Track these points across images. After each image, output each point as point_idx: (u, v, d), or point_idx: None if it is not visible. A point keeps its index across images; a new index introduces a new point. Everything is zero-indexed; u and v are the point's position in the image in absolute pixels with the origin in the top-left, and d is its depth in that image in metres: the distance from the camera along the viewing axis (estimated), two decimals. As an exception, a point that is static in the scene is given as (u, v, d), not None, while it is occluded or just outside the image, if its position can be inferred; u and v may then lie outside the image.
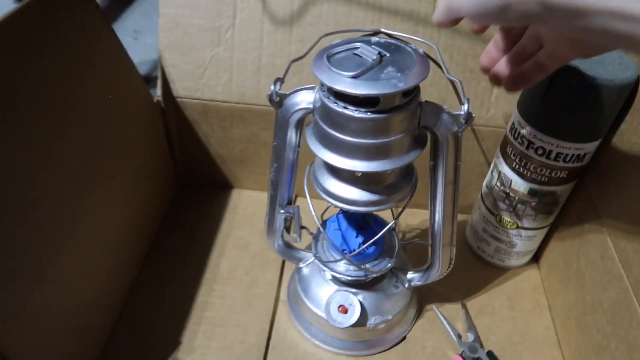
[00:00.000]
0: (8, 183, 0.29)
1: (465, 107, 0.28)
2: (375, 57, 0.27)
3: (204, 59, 0.47)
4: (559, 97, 0.36)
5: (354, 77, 0.26)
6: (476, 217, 0.48)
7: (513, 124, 0.41)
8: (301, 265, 0.43)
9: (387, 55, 0.28)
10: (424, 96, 0.30)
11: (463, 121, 0.29)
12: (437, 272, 0.39)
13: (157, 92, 0.49)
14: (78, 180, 0.36)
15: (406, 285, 0.41)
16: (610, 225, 0.38)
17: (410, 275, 0.41)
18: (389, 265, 0.39)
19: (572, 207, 0.43)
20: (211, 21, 0.45)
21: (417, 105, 0.29)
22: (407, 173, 0.34)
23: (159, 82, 0.49)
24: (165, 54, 0.47)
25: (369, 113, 0.27)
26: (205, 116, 0.50)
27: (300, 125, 0.33)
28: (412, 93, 0.29)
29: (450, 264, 0.39)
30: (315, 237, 0.42)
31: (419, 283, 0.41)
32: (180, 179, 0.56)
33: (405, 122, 0.29)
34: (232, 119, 0.50)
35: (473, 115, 0.29)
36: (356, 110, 0.28)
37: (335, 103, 0.28)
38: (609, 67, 0.35)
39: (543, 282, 0.48)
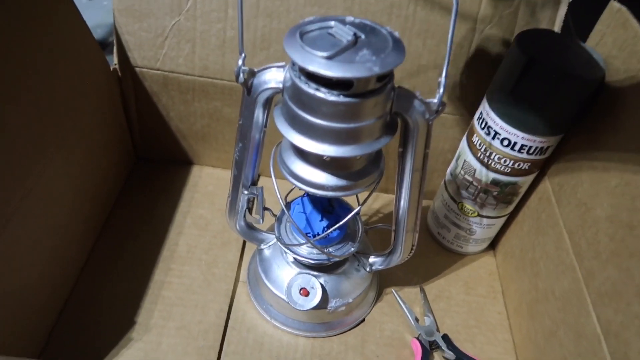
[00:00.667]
0: None
1: (440, 93, 0.28)
2: (350, 38, 0.26)
3: (163, 28, 0.44)
4: (527, 91, 0.36)
5: (327, 58, 0.25)
6: (438, 203, 0.49)
7: (480, 113, 0.41)
8: (263, 246, 0.43)
9: (362, 37, 0.27)
10: (396, 81, 0.29)
11: (435, 109, 0.29)
12: (399, 257, 0.40)
13: (114, 60, 0.46)
14: (26, 148, 0.33)
15: (367, 269, 0.42)
16: (566, 217, 0.39)
17: (372, 259, 0.42)
18: (352, 249, 0.39)
19: (531, 198, 0.44)
20: (172, -14, 0.42)
21: (390, 91, 0.28)
22: (376, 159, 0.34)
23: (115, 49, 0.45)
24: (121, 19, 0.44)
25: (341, 96, 0.26)
26: (166, 88, 0.48)
27: (268, 104, 0.32)
28: (386, 78, 0.28)
29: (412, 249, 0.39)
30: (278, 219, 0.41)
31: (380, 267, 0.41)
32: (137, 153, 0.54)
33: (378, 108, 0.28)
34: (194, 93, 0.48)
35: (445, 103, 0.29)
36: (328, 93, 0.26)
37: (307, 84, 0.27)
38: (578, 64, 0.35)
39: (498, 269, 0.49)
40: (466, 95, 0.46)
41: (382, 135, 0.30)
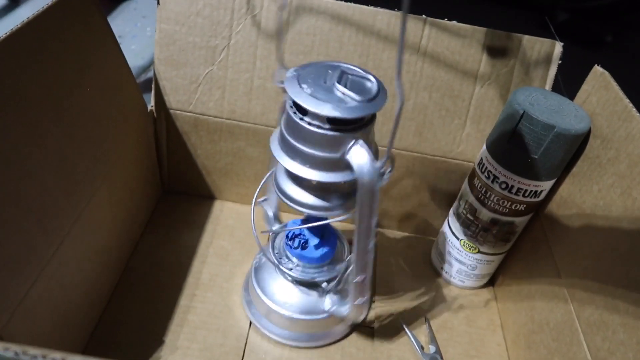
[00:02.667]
0: (12, 182, 0.30)
1: (384, 159, 0.32)
2: (334, 83, 0.31)
3: (198, 76, 0.49)
4: (522, 140, 0.41)
5: (304, 90, 0.30)
6: (441, 240, 0.53)
7: (481, 159, 0.46)
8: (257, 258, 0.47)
9: (345, 86, 0.31)
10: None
11: (380, 172, 0.32)
12: (346, 312, 0.42)
13: (151, 102, 0.51)
14: (80, 178, 0.38)
15: (322, 297, 0.44)
16: (558, 254, 0.42)
17: (329, 296, 0.44)
18: (323, 277, 0.43)
19: (527, 237, 0.48)
20: (207, 40, 0.48)
21: (351, 137, 0.31)
22: (351, 191, 0.35)
23: (152, 93, 0.51)
24: (160, 67, 0.49)
25: (320, 129, 0.31)
26: (196, 129, 0.52)
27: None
28: (343, 124, 0.31)
29: (360, 312, 0.43)
30: (273, 238, 0.46)
31: (328, 308, 0.43)
32: (164, 186, 0.58)
33: (335, 145, 0.32)
34: (221, 133, 0.52)
35: (389, 172, 0.32)
36: (309, 124, 0.31)
37: (291, 106, 0.32)
38: (566, 118, 0.40)
39: (497, 303, 0.53)
40: (468, 142, 0.51)
41: (337, 170, 0.33)
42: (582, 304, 0.37)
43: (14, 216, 0.30)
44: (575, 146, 0.41)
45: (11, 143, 0.30)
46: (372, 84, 0.32)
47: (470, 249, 0.49)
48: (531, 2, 1.20)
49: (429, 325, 0.48)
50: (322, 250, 0.42)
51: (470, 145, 0.51)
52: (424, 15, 0.47)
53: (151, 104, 0.51)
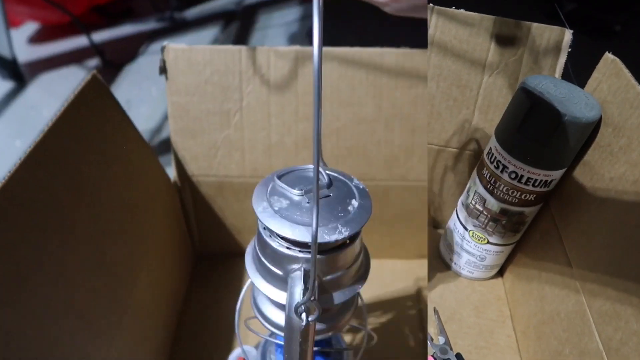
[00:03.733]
0: (62, 291, 0.31)
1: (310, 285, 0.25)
2: (306, 204, 0.27)
3: (215, 141, 0.51)
4: (532, 129, 0.41)
5: (269, 206, 0.27)
6: (450, 231, 0.54)
7: (490, 149, 0.47)
8: None
9: (329, 196, 0.27)
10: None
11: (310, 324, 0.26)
12: None
13: (173, 173, 0.53)
14: (116, 275, 0.38)
15: None
16: (569, 244, 0.43)
17: None
18: None
19: (537, 227, 0.49)
20: (219, 105, 0.50)
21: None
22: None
23: (173, 164, 0.53)
24: (177, 138, 0.51)
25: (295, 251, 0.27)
26: (221, 191, 0.54)
27: None
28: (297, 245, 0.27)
29: None
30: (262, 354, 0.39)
31: None
32: (197, 251, 0.60)
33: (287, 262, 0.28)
34: (246, 192, 0.54)
35: (311, 319, 0.26)
36: (280, 245, 0.27)
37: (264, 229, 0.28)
38: (577, 106, 0.40)
39: (507, 294, 0.54)
40: (475, 132, 0.52)
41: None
42: (594, 294, 0.38)
43: (67, 327, 0.31)
44: (586, 134, 0.41)
45: (55, 254, 0.30)
46: (347, 187, 0.28)
47: (479, 240, 0.51)
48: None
49: (438, 317, 0.50)
50: None
51: (478, 135, 0.51)
52: (431, 4, 0.47)
53: (174, 175, 0.53)
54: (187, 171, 0.53)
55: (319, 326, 0.31)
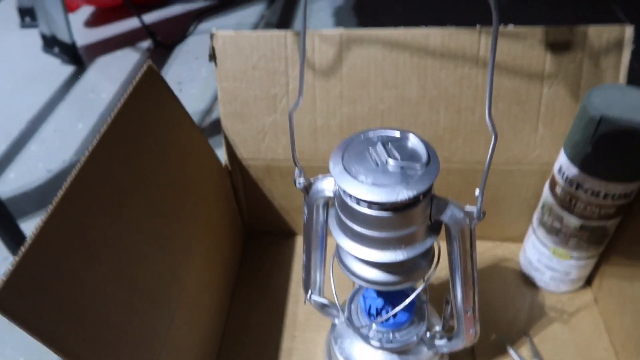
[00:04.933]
0: (126, 269, 0.34)
1: (478, 205, 0.30)
2: (385, 160, 0.30)
3: (263, 125, 0.51)
4: (604, 144, 0.40)
5: (364, 182, 0.28)
6: (529, 248, 0.52)
7: (560, 166, 0.44)
8: (336, 321, 0.44)
9: (398, 158, 0.30)
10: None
11: (475, 217, 0.31)
12: (462, 342, 0.40)
13: (224, 157, 0.54)
14: (173, 253, 0.41)
15: (433, 351, 0.42)
16: None
17: (437, 342, 0.42)
18: (414, 339, 0.40)
19: (622, 236, 0.46)
20: (267, 90, 0.50)
21: (428, 203, 0.31)
22: (426, 252, 0.34)
23: (224, 148, 0.54)
24: (227, 123, 0.52)
25: (379, 211, 0.29)
26: (269, 174, 0.55)
27: (326, 206, 0.36)
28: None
29: (475, 336, 0.40)
30: (350, 298, 0.43)
31: (445, 350, 0.42)
32: (247, 229, 0.62)
33: (416, 218, 0.30)
34: (293, 175, 0.54)
35: (485, 212, 0.30)
36: (367, 208, 0.29)
37: (350, 198, 0.30)
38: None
39: (598, 305, 0.51)
40: (543, 145, 0.49)
41: (426, 237, 0.32)
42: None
43: (132, 302, 0.34)
44: None
45: (119, 234, 0.34)
46: (413, 142, 0.31)
47: (561, 256, 0.48)
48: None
49: (530, 339, 0.48)
50: (405, 315, 0.41)
51: (546, 148, 0.49)
52: (478, 26, 0.46)
53: (225, 159, 0.54)
54: (237, 155, 0.54)
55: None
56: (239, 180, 0.56)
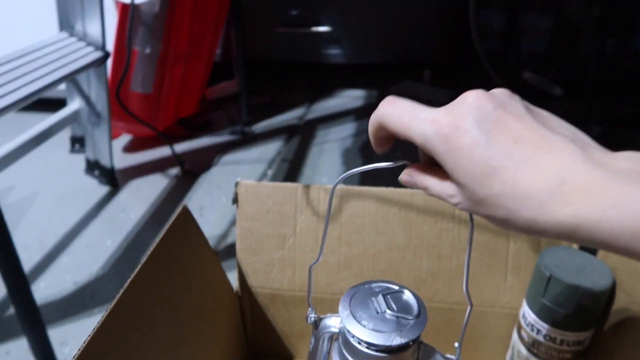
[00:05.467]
0: None
1: (457, 354, 0.37)
2: (384, 310, 0.36)
3: (272, 259, 0.60)
4: (555, 298, 0.47)
5: (365, 326, 0.35)
6: None
7: (524, 313, 0.51)
8: None
9: (395, 309, 0.36)
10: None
11: None
12: None
13: (236, 284, 0.62)
14: None
15: None
16: None
17: None
18: None
19: None
20: (277, 230, 0.59)
21: (417, 347, 0.37)
22: None
23: (236, 276, 0.62)
24: (242, 255, 0.61)
25: (374, 351, 0.35)
26: (274, 302, 0.62)
27: (330, 339, 0.42)
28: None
29: None
30: None
31: None
32: (250, 350, 0.67)
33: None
34: (295, 304, 0.61)
35: None
36: (367, 348, 0.35)
37: (353, 337, 0.36)
38: (591, 276, 0.46)
39: None
40: (512, 292, 0.56)
41: None
42: None
43: None
44: (603, 300, 0.47)
45: (149, 351, 0.40)
46: (407, 296, 0.38)
47: None
48: (563, 116, 1.27)
49: None
50: None
51: (515, 295, 0.57)
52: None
53: (236, 285, 0.61)
54: (247, 283, 0.62)
55: None
56: (247, 305, 0.63)
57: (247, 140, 1.39)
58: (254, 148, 1.34)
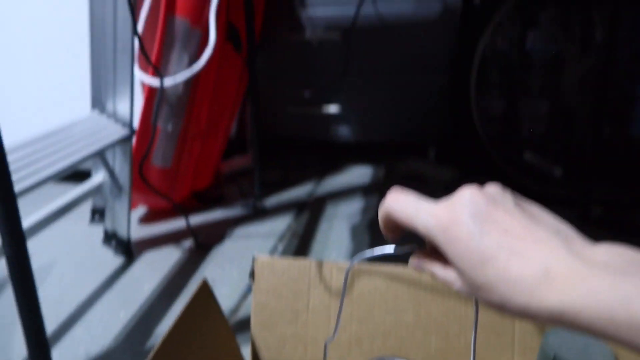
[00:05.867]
0: None
1: None
2: None
3: (285, 334, 0.62)
4: None
5: None
6: None
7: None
8: None
9: None
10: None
11: None
12: None
13: (247, 356, 0.62)
14: None
15: None
16: None
17: None
18: None
19: None
20: (290, 305, 0.61)
21: None
22: None
23: (250, 349, 0.62)
24: (255, 330, 0.62)
25: None
26: (288, 377, 0.62)
27: None
28: None
29: None
30: None
31: None
32: None
33: None
34: None
35: None
36: None
37: None
38: (593, 356, 0.48)
39: None
40: None
41: None
42: None
43: None
44: None
45: None
46: None
47: None
48: (565, 198, 1.30)
49: None
50: None
51: None
52: None
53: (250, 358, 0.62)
54: (259, 356, 0.63)
55: None
56: (259, 380, 0.64)
57: (258, 214, 1.43)
58: (265, 222, 1.38)
